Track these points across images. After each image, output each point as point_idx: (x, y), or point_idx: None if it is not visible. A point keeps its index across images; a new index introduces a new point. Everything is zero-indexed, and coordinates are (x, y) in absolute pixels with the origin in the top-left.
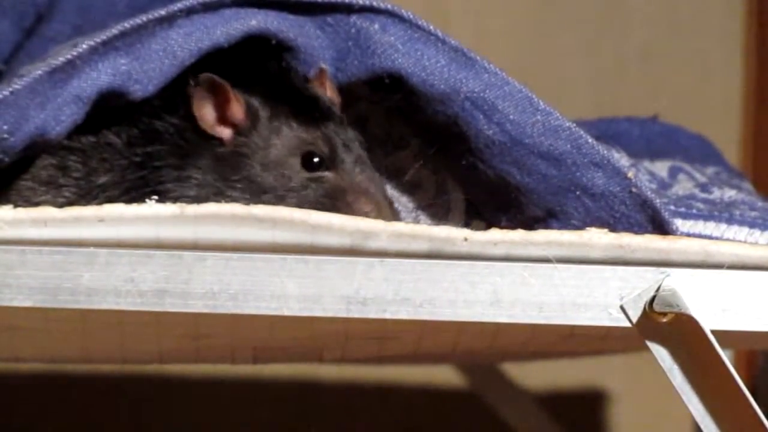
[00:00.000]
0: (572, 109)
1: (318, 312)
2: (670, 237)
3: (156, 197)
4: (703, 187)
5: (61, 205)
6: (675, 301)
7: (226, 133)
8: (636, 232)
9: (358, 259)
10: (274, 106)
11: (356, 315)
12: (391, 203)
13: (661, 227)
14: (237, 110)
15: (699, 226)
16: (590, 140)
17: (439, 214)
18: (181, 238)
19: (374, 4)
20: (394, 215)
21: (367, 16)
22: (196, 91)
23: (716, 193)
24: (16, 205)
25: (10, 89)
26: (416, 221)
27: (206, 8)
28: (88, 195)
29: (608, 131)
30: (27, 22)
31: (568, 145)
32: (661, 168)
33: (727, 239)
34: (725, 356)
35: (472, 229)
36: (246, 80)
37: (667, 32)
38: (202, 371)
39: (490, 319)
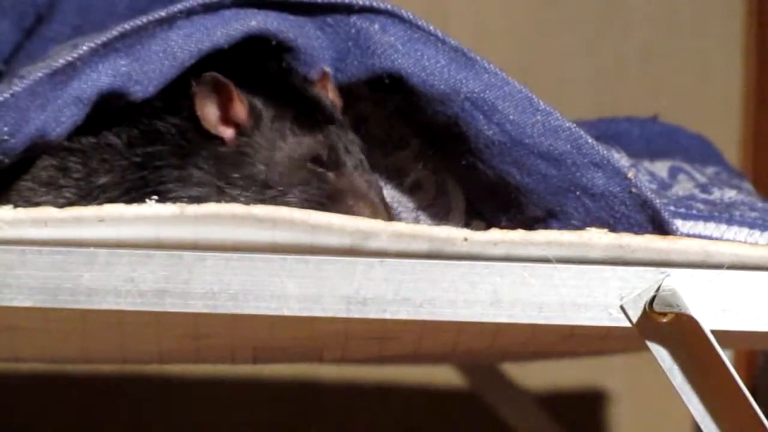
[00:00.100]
0: (572, 109)
1: (318, 312)
2: (670, 237)
3: (156, 197)
4: (703, 188)
5: (61, 206)
6: (675, 301)
7: (228, 132)
8: (636, 233)
9: (358, 259)
10: (277, 106)
11: (356, 315)
12: (388, 208)
13: (661, 227)
14: (240, 110)
15: (699, 227)
16: (590, 140)
17: (439, 214)
18: (181, 238)
19: (374, 4)
20: (391, 218)
21: (367, 16)
22: (200, 90)
23: (716, 194)
24: (16, 206)
25: (11, 91)
26: (416, 221)
27: (206, 9)
28: (88, 196)
29: (608, 131)
30: (27, 22)
31: (568, 146)
32: (661, 168)
33: (727, 240)
34: (725, 356)
35: (472, 229)
36: (247, 81)
37: (667, 32)
38: (202, 371)
39: (490, 319)
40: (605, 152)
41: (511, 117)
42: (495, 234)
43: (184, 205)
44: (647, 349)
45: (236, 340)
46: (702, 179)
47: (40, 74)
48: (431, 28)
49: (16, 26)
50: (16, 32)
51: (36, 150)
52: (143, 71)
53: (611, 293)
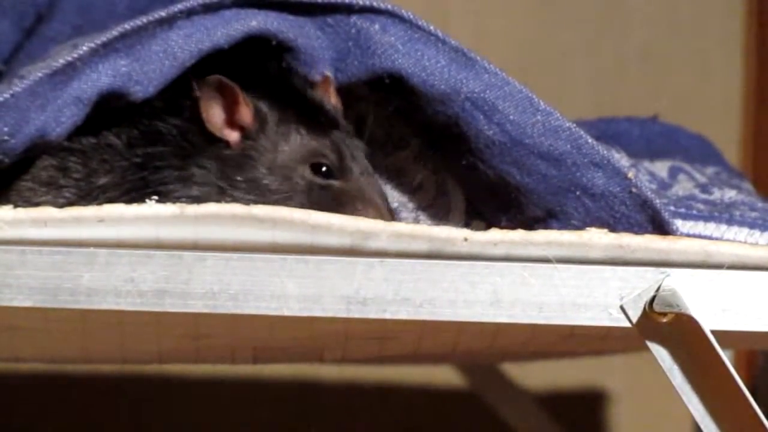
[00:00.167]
0: (572, 109)
1: (318, 312)
2: (670, 237)
3: (156, 198)
4: (703, 188)
5: (61, 206)
6: (675, 301)
7: (233, 135)
8: (636, 233)
9: (358, 259)
10: (281, 110)
11: (356, 315)
12: (394, 214)
13: (661, 227)
14: (246, 113)
15: (699, 227)
16: (590, 140)
17: (439, 214)
18: (181, 238)
19: (374, 4)
20: None
21: (367, 16)
22: (204, 92)
23: (716, 194)
24: (16, 206)
25: (11, 92)
26: (416, 221)
27: (206, 9)
28: (88, 196)
29: (608, 131)
30: (27, 22)
31: (568, 146)
32: (661, 168)
33: (727, 240)
34: (725, 356)
35: (472, 229)
36: (250, 82)
37: (667, 32)
38: (202, 371)
39: (490, 319)
40: (605, 152)
41: (511, 117)
42: (495, 234)
43: (184, 205)
44: (647, 349)
45: (236, 340)
46: (702, 179)
47: (40, 74)
48: (432, 28)
49: (16, 26)
50: (16, 32)
51: (36, 150)
52: (143, 71)
53: (611, 293)
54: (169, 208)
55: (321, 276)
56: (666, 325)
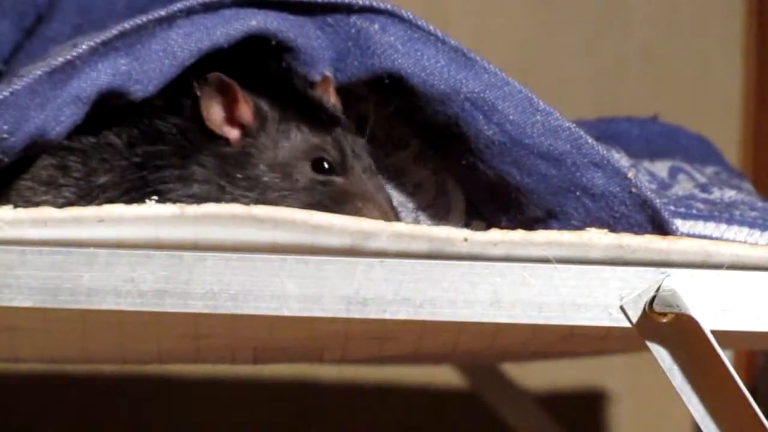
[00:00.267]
0: (572, 109)
1: (318, 312)
2: (670, 237)
3: (156, 197)
4: (703, 188)
5: (61, 206)
6: (675, 301)
7: (233, 133)
8: (636, 233)
9: (358, 260)
10: (282, 108)
11: (356, 315)
12: (396, 212)
13: (661, 227)
14: (246, 111)
15: (699, 227)
16: (590, 140)
17: (439, 214)
18: (181, 238)
19: (374, 4)
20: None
21: (367, 16)
22: (204, 90)
23: (716, 194)
24: (16, 206)
25: (10, 90)
26: (416, 222)
27: (206, 8)
28: (88, 195)
29: (608, 131)
30: (27, 22)
31: (568, 146)
32: (661, 168)
33: (727, 240)
34: (725, 356)
35: (472, 229)
36: (250, 81)
37: (667, 32)
38: (202, 371)
39: (490, 320)
40: (605, 152)
41: (511, 117)
42: (495, 234)
43: (184, 205)
44: (647, 349)
45: (236, 340)
46: (702, 179)
47: (39, 73)
48: (431, 28)
49: (16, 26)
50: (16, 32)
51: (36, 149)
52: (143, 70)
53: (611, 293)
54: (169, 208)
55: (321, 276)
56: (666, 326)
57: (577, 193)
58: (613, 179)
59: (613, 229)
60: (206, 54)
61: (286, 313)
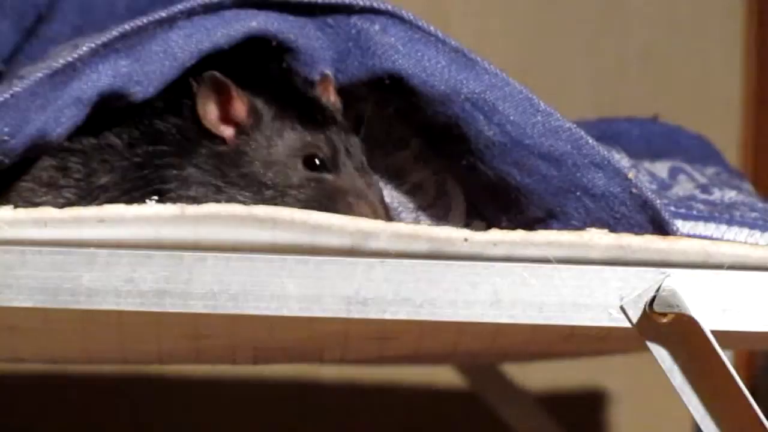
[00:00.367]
0: (572, 109)
1: (318, 312)
2: (670, 238)
3: (156, 197)
4: (704, 188)
5: (61, 206)
6: (675, 301)
7: (228, 131)
8: (636, 233)
9: (359, 260)
10: (278, 106)
11: (356, 315)
12: (388, 209)
13: (661, 228)
14: (240, 109)
15: (699, 227)
16: (591, 141)
17: (439, 214)
18: (182, 238)
19: (375, 4)
20: (390, 221)
21: (367, 17)
22: (200, 89)
23: (716, 194)
24: (16, 206)
25: (11, 92)
26: (417, 222)
27: (206, 10)
28: (88, 196)
29: (608, 132)
30: (27, 22)
31: (569, 146)
32: (662, 169)
33: (728, 240)
34: (725, 356)
35: (472, 229)
36: (248, 81)
37: (667, 32)
38: (202, 371)
39: (490, 320)
40: (606, 153)
41: (511, 118)
42: (495, 234)
43: (184, 205)
44: (647, 349)
45: (236, 340)
46: (702, 180)
47: (40, 75)
48: (432, 28)
49: (17, 26)
50: (16, 32)
51: (36, 150)
52: (144, 72)
53: (611, 293)
54: (169, 208)
55: (321, 276)
56: (666, 326)
57: (578, 194)
58: (613, 180)
59: (613, 229)
60: (207, 55)
61: (286, 313)
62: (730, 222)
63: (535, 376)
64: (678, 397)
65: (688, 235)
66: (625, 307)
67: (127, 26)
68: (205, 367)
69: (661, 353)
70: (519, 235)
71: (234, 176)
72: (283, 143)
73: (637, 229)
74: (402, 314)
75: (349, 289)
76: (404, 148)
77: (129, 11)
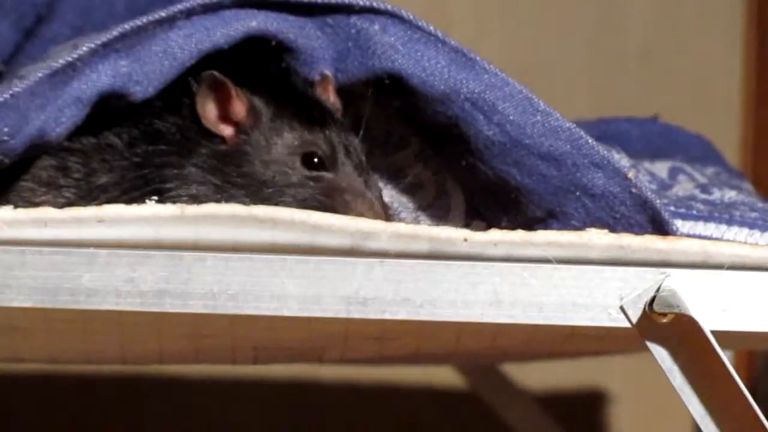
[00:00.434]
0: (572, 109)
1: (318, 312)
2: (670, 238)
3: (156, 197)
4: (703, 188)
5: (61, 206)
6: (675, 301)
7: (228, 130)
8: (636, 233)
9: (358, 260)
10: (277, 106)
11: (356, 315)
12: (387, 208)
13: (661, 228)
14: (239, 108)
15: (699, 227)
16: (590, 141)
17: (439, 214)
18: (181, 238)
19: (374, 4)
20: (389, 220)
21: (367, 16)
22: (199, 88)
23: (716, 194)
24: (16, 206)
25: (11, 92)
26: (416, 221)
27: (206, 9)
28: (88, 196)
29: (608, 132)
30: (27, 22)
31: (568, 146)
32: (661, 169)
33: (728, 240)
34: (725, 356)
35: (472, 229)
36: (248, 80)
37: (667, 32)
38: (202, 371)
39: (490, 320)
40: (605, 152)
41: (511, 117)
42: (495, 234)
43: (184, 205)
44: (647, 349)
45: (236, 340)
46: (702, 180)
47: (40, 74)
48: (431, 28)
49: (16, 27)
50: (16, 33)
51: (36, 150)
52: (143, 71)
53: (611, 293)
54: (169, 209)
55: (321, 276)
56: (666, 326)
57: (578, 194)
58: (613, 179)
59: (613, 229)
60: (207, 55)
61: (286, 313)
62: (730, 222)
63: (535, 376)
64: (678, 397)
65: (688, 235)
66: (625, 307)
67: (126, 26)
68: (205, 367)
69: (661, 353)
70: (519, 235)
71: (233, 175)
72: (282, 142)
73: (636, 229)
74: (402, 314)
75: (348, 289)
76: (404, 147)
77: (128, 11)
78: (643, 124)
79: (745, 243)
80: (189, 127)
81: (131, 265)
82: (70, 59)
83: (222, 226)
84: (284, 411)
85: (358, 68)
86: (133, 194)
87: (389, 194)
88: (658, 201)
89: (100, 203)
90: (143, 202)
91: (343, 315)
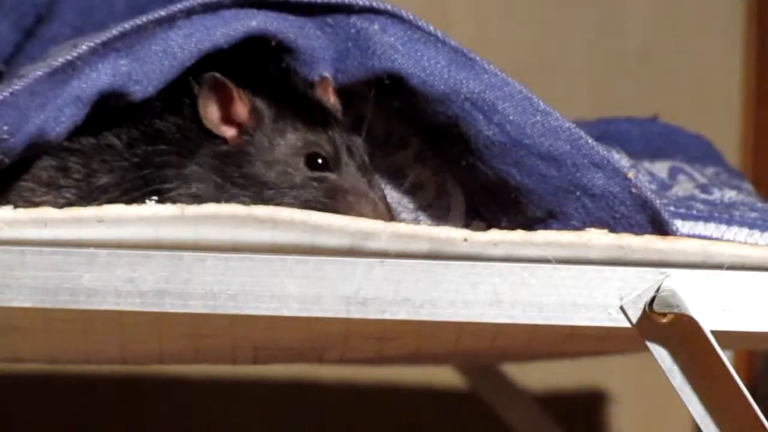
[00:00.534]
0: (572, 109)
1: (318, 312)
2: (670, 238)
3: (156, 197)
4: (703, 188)
5: (61, 206)
6: (675, 301)
7: (230, 132)
8: (636, 233)
9: (358, 260)
10: (279, 107)
11: (356, 315)
12: (390, 209)
13: (661, 228)
14: (241, 109)
15: (699, 227)
16: (590, 141)
17: (439, 214)
18: (181, 238)
19: (374, 4)
20: (394, 220)
21: (367, 16)
22: (201, 90)
23: (716, 194)
24: (16, 206)
25: (10, 90)
26: (416, 222)
27: (206, 9)
28: (88, 196)
29: (608, 132)
30: (27, 22)
31: (568, 146)
32: (661, 169)
33: (727, 240)
34: (725, 356)
35: (472, 229)
36: (249, 81)
37: (667, 32)
38: (202, 371)
39: (490, 320)
40: (605, 152)
41: (511, 117)
42: (495, 234)
43: (184, 205)
44: (647, 349)
45: (236, 340)
46: (702, 180)
47: (39, 73)
48: (431, 28)
49: (16, 26)
50: (16, 32)
51: (36, 150)
52: (143, 71)
53: (611, 293)
54: (169, 209)
55: (321, 276)
56: (666, 326)
57: (577, 194)
58: (613, 179)
59: (613, 229)
60: (207, 54)
61: (286, 313)
62: (730, 222)
63: (535, 376)
64: (678, 397)
65: (688, 235)
66: (625, 307)
67: (126, 25)
68: (205, 367)
69: (661, 353)
70: (519, 235)
71: (235, 176)
72: (285, 143)
73: (636, 229)
74: (402, 314)
75: (348, 289)
76: (404, 148)
77: (128, 10)
78: (643, 124)
79: (745, 243)
80: (190, 128)
81: (131, 265)
82: (69, 58)
83: (222, 226)
84: (284, 411)
85: (357, 68)
86: (133, 194)
87: (389, 194)
88: (658, 201)
89: (100, 204)
90: (144, 202)
91: (343, 315)
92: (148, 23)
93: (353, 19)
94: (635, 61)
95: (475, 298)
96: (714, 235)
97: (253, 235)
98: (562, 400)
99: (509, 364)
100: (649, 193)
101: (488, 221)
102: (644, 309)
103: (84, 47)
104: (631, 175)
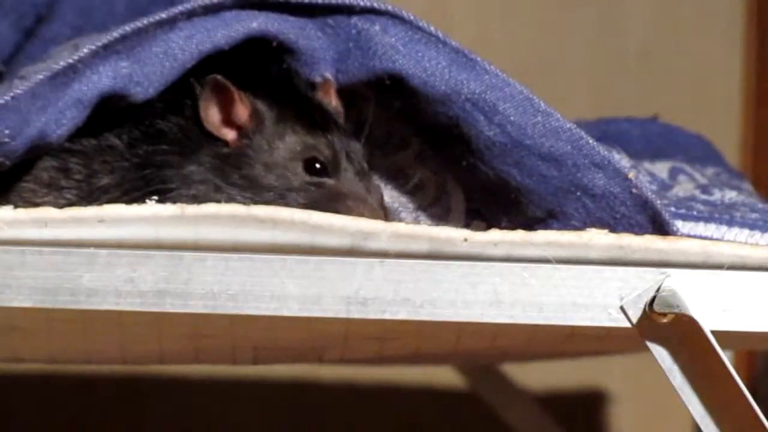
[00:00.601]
0: (572, 109)
1: (318, 313)
2: (670, 238)
3: (156, 197)
4: (704, 189)
5: (62, 207)
6: (675, 301)
7: (231, 134)
8: (636, 233)
9: (358, 260)
10: (279, 109)
11: (356, 315)
12: (387, 213)
13: (661, 228)
14: (242, 112)
15: (699, 228)
16: (591, 141)
17: (439, 214)
18: (182, 238)
19: (375, 5)
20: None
21: (368, 17)
22: (202, 92)
23: (716, 195)
24: (16, 206)
25: (12, 94)
26: (416, 222)
27: (207, 11)
28: (89, 197)
29: (608, 132)
30: (27, 22)
31: (569, 146)
32: (662, 169)
33: (728, 240)
34: (725, 356)
35: (472, 229)
36: (250, 83)
37: (667, 32)
38: (202, 371)
39: (490, 320)
40: (606, 153)
41: (511, 118)
42: (495, 234)
43: (184, 205)
44: (647, 349)
45: (236, 340)
46: (702, 180)
47: (40, 76)
48: (432, 29)
49: (16, 27)
50: (16, 33)
51: (37, 151)
52: (144, 73)
53: (611, 294)
54: (169, 209)
55: (321, 276)
56: (666, 326)
57: (578, 194)
58: (613, 180)
59: (613, 229)
60: (208, 56)
61: (286, 313)
62: (731, 223)
63: (535, 376)
64: (678, 397)
65: (688, 236)
66: (625, 307)
67: (127, 27)
68: (205, 367)
69: (661, 353)
70: (519, 235)
71: (235, 177)
72: (285, 146)
73: (637, 230)
74: (402, 314)
75: (348, 289)
76: (405, 148)
77: (128, 11)
78: (643, 124)
79: (745, 243)
80: (190, 128)
81: (131, 265)
82: (70, 61)
83: (222, 226)
84: (284, 411)
85: (358, 69)
86: (134, 195)
87: (389, 194)
88: (658, 201)
89: (101, 204)
90: (144, 202)
91: (343, 315)
92: (149, 25)
93: (354, 19)
94: (635, 61)
95: (475, 298)
96: (714, 236)
97: (253, 235)
98: (562, 400)
99: (509, 364)
100: (649, 194)
101: (488, 221)
102: (644, 309)
103: (85, 50)
104: (631, 175)
